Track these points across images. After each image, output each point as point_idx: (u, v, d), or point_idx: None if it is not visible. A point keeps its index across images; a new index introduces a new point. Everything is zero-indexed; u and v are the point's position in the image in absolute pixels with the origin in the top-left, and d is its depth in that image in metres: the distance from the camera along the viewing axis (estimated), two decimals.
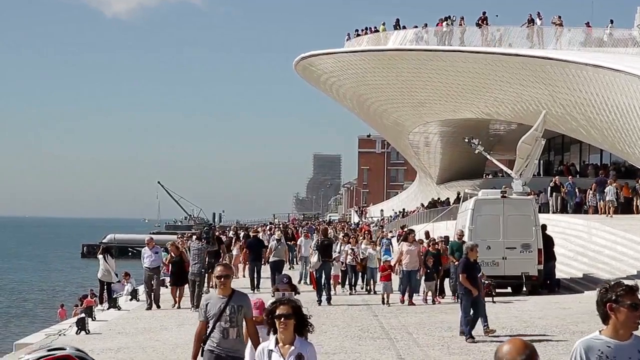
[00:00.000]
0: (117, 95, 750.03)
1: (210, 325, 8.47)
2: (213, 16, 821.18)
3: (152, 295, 22.06)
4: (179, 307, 21.77)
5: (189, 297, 22.66)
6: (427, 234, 28.28)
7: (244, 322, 8.49)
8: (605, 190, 34.42)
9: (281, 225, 54.44)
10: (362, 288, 25.87)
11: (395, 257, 24.08)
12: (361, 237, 28.69)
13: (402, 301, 21.76)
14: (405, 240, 23.07)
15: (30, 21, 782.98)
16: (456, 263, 22.04)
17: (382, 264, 23.63)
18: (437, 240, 24.94)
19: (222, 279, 8.56)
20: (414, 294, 22.10)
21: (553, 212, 35.41)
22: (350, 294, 24.89)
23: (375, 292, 24.60)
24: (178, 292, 22.37)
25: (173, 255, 22.94)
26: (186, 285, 22.50)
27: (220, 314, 8.43)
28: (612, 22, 38.35)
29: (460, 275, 15.80)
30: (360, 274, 26.05)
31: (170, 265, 23.26)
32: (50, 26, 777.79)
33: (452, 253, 22.74)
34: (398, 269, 22.59)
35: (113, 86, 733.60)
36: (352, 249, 25.31)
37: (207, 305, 8.57)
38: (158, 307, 21.87)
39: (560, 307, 19.15)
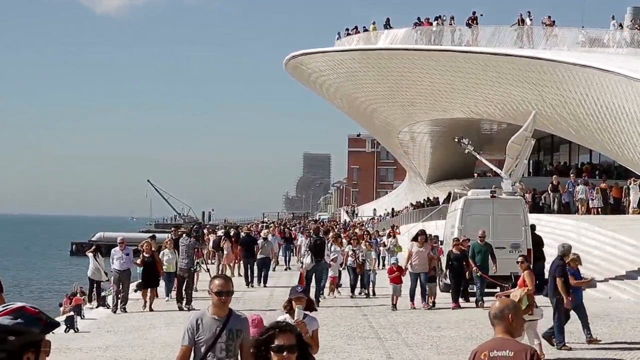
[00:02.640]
0: (117, 94, 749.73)
1: (202, 353, 6.64)
2: (205, 12, 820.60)
3: (120, 298, 20.84)
4: (150, 310, 20.83)
5: (163, 299, 22.41)
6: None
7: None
8: (577, 190, 34.54)
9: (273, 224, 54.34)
10: (360, 293, 24.18)
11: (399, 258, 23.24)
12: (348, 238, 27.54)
13: (419, 306, 20.78)
14: (415, 240, 21.74)
15: (30, 21, 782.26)
16: (474, 268, 21.13)
17: (389, 265, 23.00)
18: (462, 240, 22.36)
19: (223, 297, 6.67)
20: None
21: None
22: (352, 297, 23.78)
23: (375, 295, 23.80)
24: (150, 293, 21.22)
25: (146, 255, 21.52)
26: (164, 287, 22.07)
27: (215, 340, 6.61)
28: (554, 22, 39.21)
29: (557, 279, 14.44)
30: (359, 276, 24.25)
31: (143, 265, 21.67)
32: (50, 25, 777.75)
33: (472, 256, 21.40)
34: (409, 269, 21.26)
35: (112, 85, 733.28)
36: (354, 250, 24.15)
37: (197, 326, 6.70)
38: (124, 310, 20.68)
39: (549, 307, 19.10)
